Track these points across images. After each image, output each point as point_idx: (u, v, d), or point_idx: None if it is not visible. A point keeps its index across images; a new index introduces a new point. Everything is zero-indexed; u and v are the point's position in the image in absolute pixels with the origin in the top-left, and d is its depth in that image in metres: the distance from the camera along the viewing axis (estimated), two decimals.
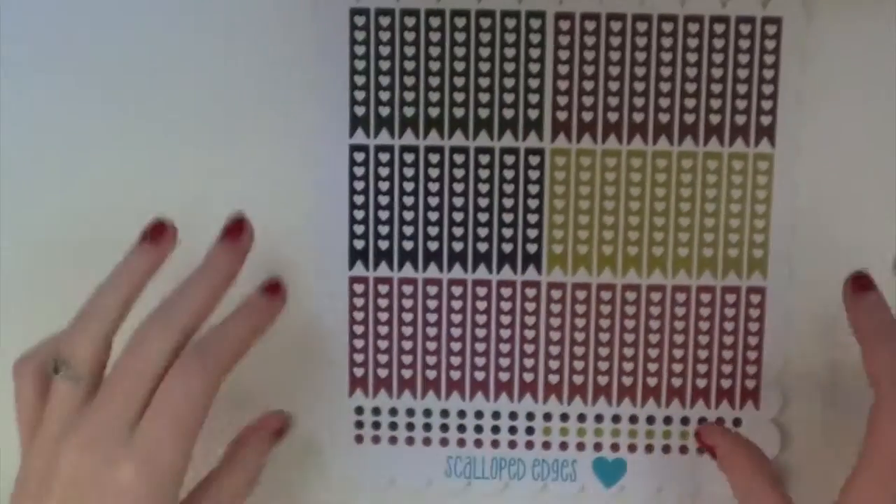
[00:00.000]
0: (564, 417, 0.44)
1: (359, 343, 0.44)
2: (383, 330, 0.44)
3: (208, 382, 0.35)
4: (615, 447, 0.44)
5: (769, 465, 0.40)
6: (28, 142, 0.44)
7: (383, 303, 0.44)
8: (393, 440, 0.44)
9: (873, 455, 0.34)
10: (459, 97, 0.42)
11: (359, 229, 0.43)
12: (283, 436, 0.41)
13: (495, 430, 0.44)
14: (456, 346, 0.44)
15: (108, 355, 0.36)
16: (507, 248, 0.43)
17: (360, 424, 0.44)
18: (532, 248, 0.43)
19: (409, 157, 0.43)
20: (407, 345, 0.44)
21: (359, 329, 0.44)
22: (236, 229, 0.39)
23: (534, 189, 0.43)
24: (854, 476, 0.34)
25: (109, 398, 0.34)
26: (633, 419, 0.44)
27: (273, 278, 0.39)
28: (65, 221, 0.44)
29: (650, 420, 0.44)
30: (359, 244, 0.43)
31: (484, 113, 0.43)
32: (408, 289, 0.44)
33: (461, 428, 0.44)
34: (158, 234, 0.38)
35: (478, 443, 0.44)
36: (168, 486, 0.34)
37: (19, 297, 0.44)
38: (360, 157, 0.43)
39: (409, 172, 0.43)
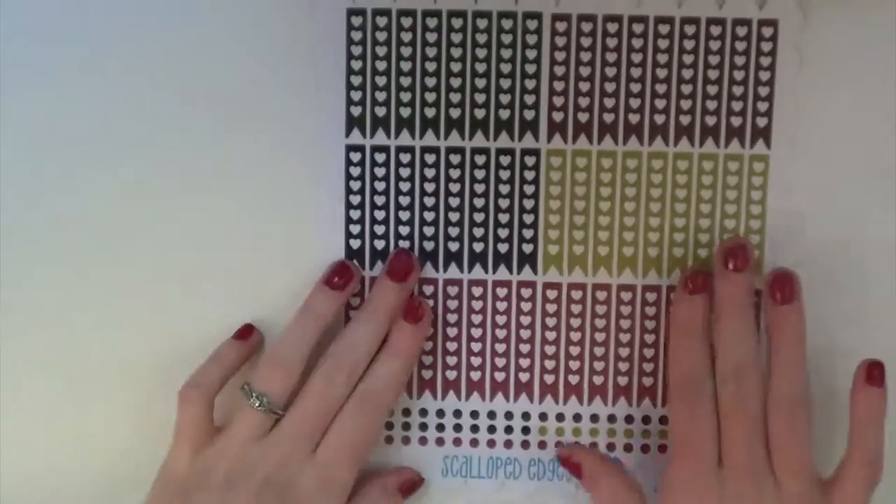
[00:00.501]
0: (560, 417, 0.44)
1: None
2: None
3: (376, 421, 0.42)
4: (611, 447, 0.44)
5: (636, 486, 0.42)
6: (28, 142, 0.44)
7: None
8: (389, 439, 0.45)
9: None
10: (456, 98, 0.43)
11: (355, 229, 0.43)
12: (408, 495, 0.44)
13: (491, 429, 0.45)
14: (452, 346, 0.44)
15: (294, 384, 0.41)
16: (503, 248, 0.43)
17: None
18: (528, 248, 0.43)
19: (405, 158, 0.43)
20: None
21: None
22: (402, 270, 0.42)
23: (529, 189, 0.43)
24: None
25: (301, 424, 0.40)
26: (629, 419, 0.44)
27: (416, 303, 0.42)
28: (65, 221, 0.44)
29: (646, 420, 0.44)
30: (355, 244, 0.44)
31: (480, 113, 0.43)
32: None
33: (457, 427, 0.44)
34: (344, 278, 0.42)
35: (474, 442, 0.45)
36: (339, 498, 0.41)
37: (20, 296, 0.45)
38: (356, 157, 0.43)
39: (405, 172, 0.43)
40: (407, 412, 0.44)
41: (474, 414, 0.44)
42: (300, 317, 0.42)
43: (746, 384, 0.40)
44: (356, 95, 0.43)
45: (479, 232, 0.43)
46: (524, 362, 0.44)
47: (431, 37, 0.42)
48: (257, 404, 0.40)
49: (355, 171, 0.43)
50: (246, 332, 0.43)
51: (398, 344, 0.42)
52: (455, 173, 0.43)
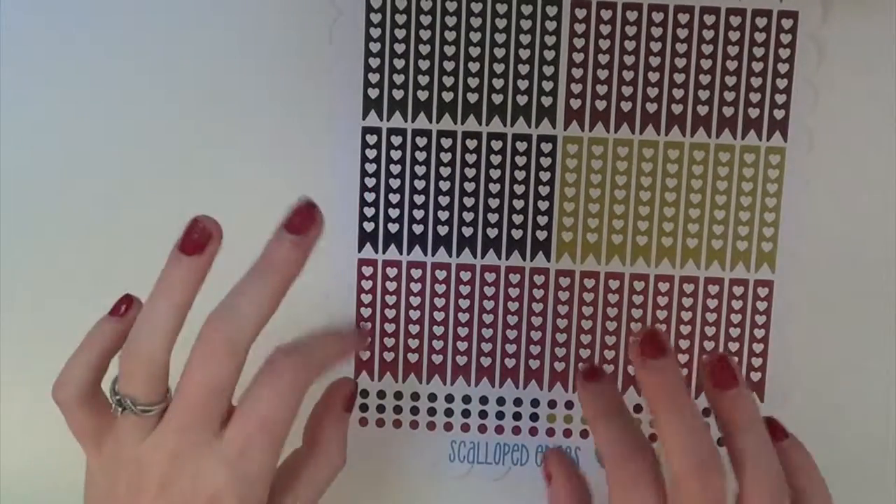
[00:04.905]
0: (569, 405, 0.44)
1: (365, 326, 0.44)
2: (390, 313, 0.44)
3: (298, 386, 0.34)
4: None
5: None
6: (29, 142, 0.43)
7: (391, 286, 0.44)
8: (397, 423, 0.45)
9: None
10: (473, 82, 0.42)
11: (369, 212, 0.43)
12: (354, 401, 0.40)
13: (499, 415, 0.45)
14: (463, 332, 0.44)
15: (167, 373, 0.34)
16: (517, 234, 0.43)
17: (364, 407, 0.45)
18: (542, 234, 0.43)
19: (421, 141, 0.43)
20: (413, 329, 0.44)
21: (366, 312, 0.44)
22: (303, 219, 0.34)
23: (545, 176, 0.43)
24: None
25: (188, 412, 0.33)
26: (637, 408, 0.44)
27: (362, 331, 0.42)
28: (68, 218, 0.44)
29: None
30: (368, 227, 0.43)
31: (497, 99, 0.42)
32: (416, 272, 0.44)
33: (465, 413, 0.44)
34: (200, 239, 0.34)
35: (482, 428, 0.45)
36: (258, 488, 0.34)
37: (20, 296, 0.44)
38: (372, 139, 0.43)
39: (420, 156, 0.43)
40: (416, 396, 0.44)
41: (483, 400, 0.44)
42: (151, 295, 0.34)
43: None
44: (374, 78, 0.42)
45: (493, 218, 0.43)
46: (535, 349, 0.44)
47: (450, 20, 0.42)
48: (121, 411, 0.34)
49: (371, 154, 0.43)
50: (122, 306, 0.36)
51: None
52: (471, 158, 0.43)
